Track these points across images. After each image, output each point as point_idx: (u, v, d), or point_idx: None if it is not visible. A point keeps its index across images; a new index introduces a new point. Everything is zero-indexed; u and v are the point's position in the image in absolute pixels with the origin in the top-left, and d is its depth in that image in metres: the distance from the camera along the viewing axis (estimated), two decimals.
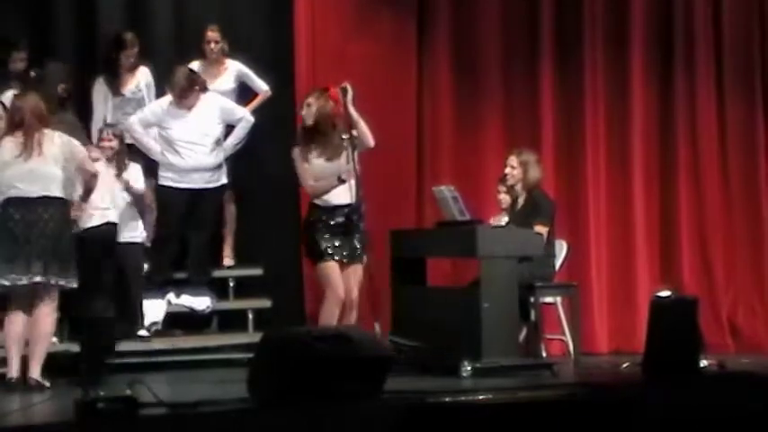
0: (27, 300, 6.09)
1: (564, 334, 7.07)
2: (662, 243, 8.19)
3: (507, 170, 7.05)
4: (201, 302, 7.42)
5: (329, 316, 6.19)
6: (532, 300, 6.81)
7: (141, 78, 7.39)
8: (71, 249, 6.03)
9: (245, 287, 7.36)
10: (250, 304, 7.35)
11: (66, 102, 7.01)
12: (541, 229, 6.84)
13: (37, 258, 5.98)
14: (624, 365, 6.70)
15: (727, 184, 8.20)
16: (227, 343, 7.02)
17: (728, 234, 8.23)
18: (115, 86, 7.35)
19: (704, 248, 8.15)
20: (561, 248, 7.27)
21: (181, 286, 7.38)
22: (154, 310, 7.32)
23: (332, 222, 6.25)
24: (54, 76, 6.97)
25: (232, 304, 7.42)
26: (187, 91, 7.08)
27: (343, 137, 6.16)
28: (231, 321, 7.27)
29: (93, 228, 6.60)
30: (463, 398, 5.22)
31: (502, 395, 5.24)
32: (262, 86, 7.51)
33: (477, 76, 7.98)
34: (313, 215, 6.29)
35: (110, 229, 6.71)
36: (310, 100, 6.31)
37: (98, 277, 6.41)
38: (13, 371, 6.03)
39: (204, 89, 7.24)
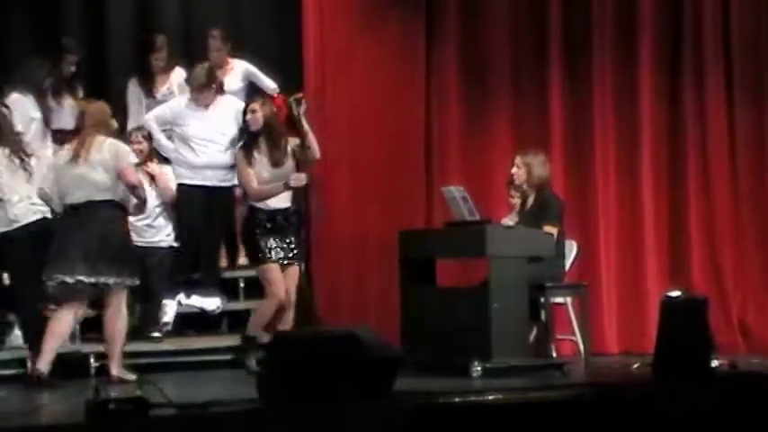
0: (78, 300, 6.28)
1: (574, 334, 7.02)
2: (671, 243, 8.15)
3: (513, 170, 7.09)
4: (212, 303, 7.42)
5: (266, 315, 6.35)
6: (542, 300, 6.80)
7: (174, 80, 7.46)
8: (122, 249, 6.18)
9: (256, 288, 7.29)
10: (258, 305, 7.36)
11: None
12: (551, 230, 6.84)
13: (83, 260, 6.15)
14: (635, 366, 6.68)
15: (737, 184, 8.15)
16: (237, 344, 6.96)
17: (738, 233, 8.10)
18: (147, 88, 7.45)
19: (714, 248, 8.07)
20: (571, 249, 7.25)
21: (191, 287, 7.39)
22: (164, 310, 7.35)
23: (271, 225, 6.39)
24: (40, 71, 7.00)
25: (242, 305, 7.38)
26: (206, 87, 7.11)
27: (294, 146, 6.33)
28: (241, 322, 7.19)
29: None
30: (473, 398, 5.25)
31: (512, 395, 5.25)
32: (270, 85, 7.51)
33: (486, 78, 7.98)
34: (254, 218, 6.41)
35: None
36: (255, 106, 6.45)
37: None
38: (43, 365, 6.15)
39: (221, 90, 7.28)
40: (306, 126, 6.37)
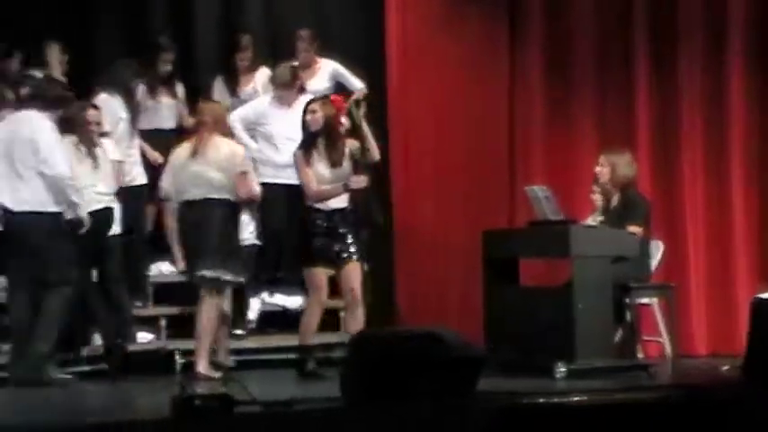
0: (219, 294, 6.46)
1: (660, 335, 6.96)
2: (762, 244, 8.00)
3: (597, 169, 7.04)
4: (294, 301, 7.45)
5: (312, 318, 6.34)
6: (628, 301, 6.74)
7: (259, 80, 7.51)
8: (236, 248, 6.37)
9: (338, 286, 7.23)
10: (342, 304, 7.36)
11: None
12: (635, 229, 6.76)
13: (200, 256, 6.33)
14: (724, 368, 6.59)
15: None
16: (320, 342, 6.94)
17: None
18: (232, 88, 7.52)
19: None
20: (657, 249, 7.17)
21: (274, 285, 7.43)
22: (248, 308, 7.42)
23: (326, 225, 6.33)
24: (125, 71, 7.12)
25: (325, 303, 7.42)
26: (290, 85, 7.16)
27: (352, 148, 6.30)
28: (323, 320, 7.12)
29: None
30: (557, 399, 5.16)
31: (597, 397, 5.16)
32: (357, 85, 7.51)
33: (571, 74, 7.91)
34: (311, 218, 6.36)
35: None
36: (315, 106, 6.39)
37: None
38: (202, 367, 6.38)
39: (303, 90, 7.31)
40: (365, 128, 6.34)
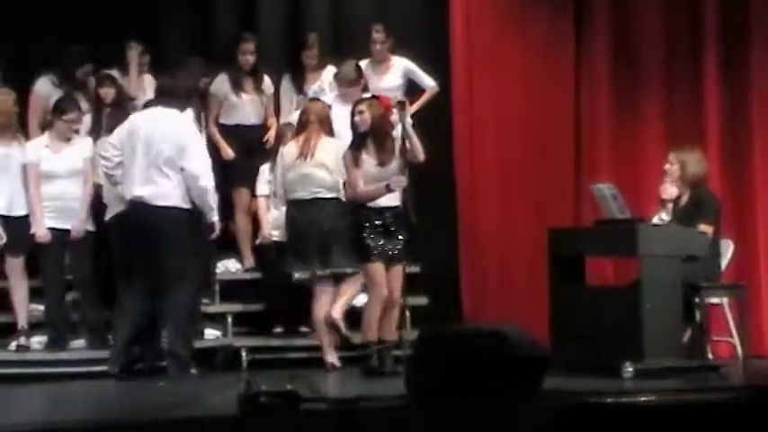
0: (329, 287, 6.64)
1: (731, 336, 6.84)
2: None
3: (666, 167, 6.95)
4: (360, 299, 7.47)
5: (373, 315, 6.33)
6: (697, 300, 6.64)
7: (325, 78, 7.51)
8: (348, 241, 6.46)
9: (403, 284, 7.30)
10: (407, 301, 7.21)
11: (204, 96, 7.23)
12: (705, 228, 6.70)
13: (315, 254, 6.53)
14: None
15: None
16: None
17: None
18: (299, 85, 7.55)
19: None
20: (727, 248, 7.07)
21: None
22: None
23: (378, 223, 6.36)
24: (194, 69, 7.17)
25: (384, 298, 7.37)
26: (355, 83, 7.15)
27: (398, 146, 6.33)
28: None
29: None
30: (625, 399, 5.13)
31: (666, 397, 5.14)
32: (429, 82, 7.51)
33: (638, 70, 7.82)
34: (361, 215, 6.39)
35: None
36: (363, 107, 6.39)
37: None
38: (331, 357, 6.60)
39: (366, 88, 7.28)
40: (408, 130, 6.37)
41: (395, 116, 6.38)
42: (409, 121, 6.49)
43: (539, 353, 5.20)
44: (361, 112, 6.37)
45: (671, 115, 7.79)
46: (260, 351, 6.98)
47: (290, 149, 6.51)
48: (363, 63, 7.49)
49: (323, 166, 6.52)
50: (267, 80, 7.45)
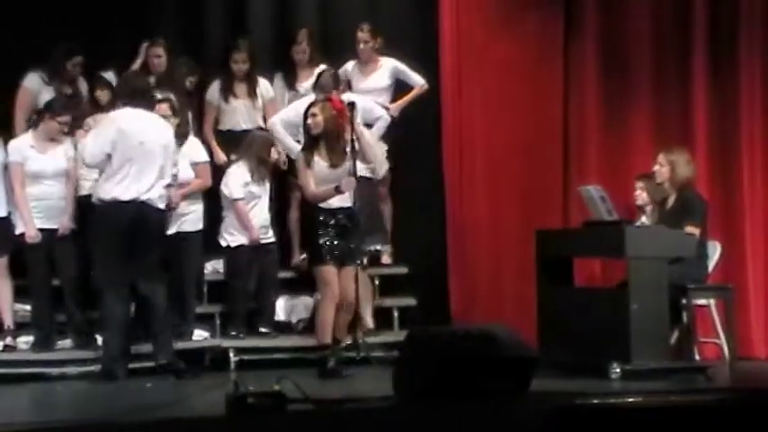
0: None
1: (718, 337, 6.82)
2: None
3: (656, 168, 6.91)
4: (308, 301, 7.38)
5: (326, 316, 6.31)
6: (684, 302, 6.63)
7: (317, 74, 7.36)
8: (375, 222, 6.77)
9: (391, 285, 7.38)
10: (396, 302, 7.36)
11: (192, 95, 7.11)
12: (693, 230, 6.67)
13: (370, 233, 6.70)
14: None
15: None
16: (373, 341, 6.94)
17: None
18: (290, 82, 7.47)
19: None
20: (714, 250, 7.04)
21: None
22: (299, 308, 7.44)
23: (331, 223, 6.35)
24: (182, 69, 7.12)
25: (378, 302, 7.39)
26: (331, 92, 7.05)
27: (347, 148, 6.30)
28: (377, 319, 7.22)
29: None
30: (612, 400, 5.09)
31: (653, 399, 5.08)
32: (418, 81, 7.44)
33: (626, 72, 7.78)
34: (317, 217, 6.37)
35: None
36: (315, 110, 6.36)
37: None
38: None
39: (348, 89, 7.25)
40: (359, 129, 6.39)
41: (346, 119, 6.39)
42: (359, 122, 6.52)
43: (527, 353, 5.17)
44: (313, 115, 6.35)
45: (659, 117, 7.75)
46: (248, 352, 6.96)
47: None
48: (350, 64, 7.43)
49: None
50: (265, 84, 7.38)
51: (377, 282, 7.41)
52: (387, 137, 7.37)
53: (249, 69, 7.24)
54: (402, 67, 7.46)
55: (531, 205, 7.53)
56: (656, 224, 6.84)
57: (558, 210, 7.64)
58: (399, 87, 7.54)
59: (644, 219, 6.99)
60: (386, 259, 7.50)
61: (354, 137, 6.31)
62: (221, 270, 7.31)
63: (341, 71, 7.41)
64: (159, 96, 6.79)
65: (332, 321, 6.30)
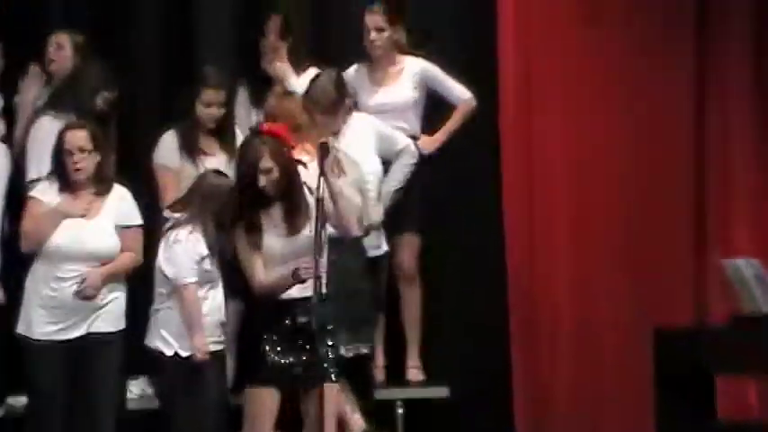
0: None
1: None
2: None
3: None
4: None
5: None
6: None
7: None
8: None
9: (424, 414, 5.77)
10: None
11: (109, 117, 5.60)
12: None
13: None
14: None
15: None
16: None
17: None
18: (259, 97, 5.93)
19: None
20: None
21: None
22: None
23: (282, 324, 4.94)
24: (89, 80, 5.62)
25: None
26: (338, 105, 5.45)
27: (311, 198, 4.92)
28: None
29: None
30: None
31: None
32: (461, 94, 5.85)
33: None
34: (256, 313, 4.99)
35: None
36: (267, 162, 4.93)
37: None
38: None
39: (354, 106, 5.69)
40: (334, 185, 4.95)
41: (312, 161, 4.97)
42: (335, 172, 5.05)
43: None
44: (266, 172, 4.92)
45: None
46: None
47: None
48: (353, 69, 5.86)
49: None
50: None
51: (400, 410, 5.81)
52: (415, 182, 5.79)
53: (225, 115, 5.64)
54: (435, 71, 5.82)
55: (643, 287, 6.18)
56: None
57: (688, 294, 6.34)
58: (431, 104, 5.96)
59: None
60: (414, 375, 5.87)
61: (323, 189, 4.81)
62: (150, 392, 5.88)
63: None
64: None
65: None
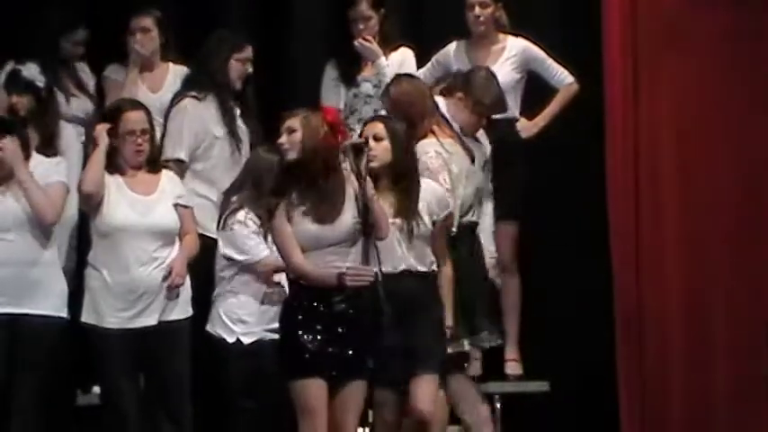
0: None
1: None
2: None
3: None
4: None
5: None
6: None
7: (395, 62, 5.63)
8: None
9: (522, 410, 5.56)
10: None
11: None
12: None
13: None
14: None
15: None
16: None
17: None
18: (348, 73, 5.70)
19: None
20: None
21: None
22: None
23: (323, 310, 4.55)
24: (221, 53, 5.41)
25: None
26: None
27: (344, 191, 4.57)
28: None
29: None
30: None
31: None
32: (562, 78, 5.60)
33: None
34: (294, 299, 4.59)
35: None
36: (294, 122, 4.59)
37: None
38: None
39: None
40: (369, 192, 4.60)
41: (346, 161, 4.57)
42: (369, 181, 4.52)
43: None
44: (290, 131, 4.57)
45: None
46: None
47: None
48: (452, 46, 5.59)
49: None
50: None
51: (498, 404, 5.47)
52: (513, 168, 5.55)
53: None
54: (537, 52, 5.58)
55: (757, 281, 5.69)
56: None
57: None
58: (532, 87, 5.69)
59: None
60: (513, 368, 5.56)
61: (362, 189, 4.53)
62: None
63: (440, 56, 5.56)
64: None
65: None
